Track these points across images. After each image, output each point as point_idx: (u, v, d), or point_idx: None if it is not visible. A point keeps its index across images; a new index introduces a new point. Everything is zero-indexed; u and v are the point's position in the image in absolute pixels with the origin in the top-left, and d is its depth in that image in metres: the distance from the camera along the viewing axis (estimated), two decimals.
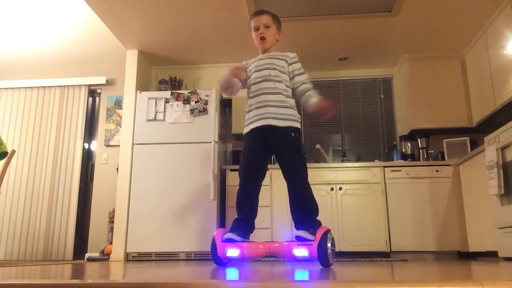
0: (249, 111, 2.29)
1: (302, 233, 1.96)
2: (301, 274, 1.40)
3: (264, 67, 2.30)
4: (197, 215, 3.81)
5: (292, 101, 2.28)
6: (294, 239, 1.99)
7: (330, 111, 2.21)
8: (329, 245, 1.85)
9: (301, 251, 1.88)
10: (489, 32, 3.78)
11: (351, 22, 3.87)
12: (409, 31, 4.02)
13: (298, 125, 2.25)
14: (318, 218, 2.11)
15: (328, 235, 1.88)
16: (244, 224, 2.15)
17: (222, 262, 2.04)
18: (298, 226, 2.08)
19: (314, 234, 1.92)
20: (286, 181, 2.20)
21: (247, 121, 2.30)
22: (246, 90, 2.40)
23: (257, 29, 2.34)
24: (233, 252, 1.98)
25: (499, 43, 3.60)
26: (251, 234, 2.17)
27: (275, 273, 1.54)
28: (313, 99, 2.25)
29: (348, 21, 3.85)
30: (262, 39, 2.32)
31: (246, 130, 2.30)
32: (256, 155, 2.25)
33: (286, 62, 2.33)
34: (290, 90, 2.30)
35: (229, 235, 2.05)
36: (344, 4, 3.57)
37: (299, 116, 2.28)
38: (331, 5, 3.60)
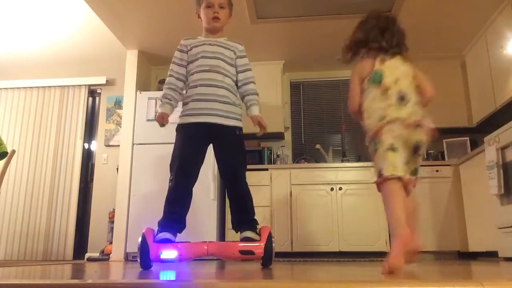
0: (188, 102, 2.11)
1: (250, 234, 1.97)
2: (299, 274, 1.40)
3: (212, 55, 2.14)
4: (197, 215, 3.79)
5: (235, 98, 2.17)
6: (240, 240, 1.97)
7: (265, 129, 2.19)
8: (274, 245, 1.91)
9: (247, 252, 1.88)
10: (489, 32, 3.78)
11: (351, 22, 3.84)
12: (409, 31, 3.99)
13: (241, 124, 2.16)
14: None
15: (272, 236, 1.93)
16: (177, 222, 2.02)
17: (150, 265, 1.84)
18: (242, 226, 2.04)
19: (258, 234, 1.97)
20: (225, 180, 2.16)
21: (185, 112, 2.12)
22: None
23: (210, 6, 2.17)
24: (169, 253, 1.82)
25: (499, 43, 3.60)
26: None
27: (272, 273, 1.54)
28: (255, 108, 2.20)
29: (348, 21, 3.81)
30: (216, 18, 2.17)
31: (183, 121, 2.11)
32: (198, 150, 2.10)
33: (235, 54, 2.21)
34: (234, 86, 2.19)
35: (164, 235, 1.90)
36: (343, 4, 3.57)
37: (241, 113, 2.18)
38: (330, 5, 3.60)
